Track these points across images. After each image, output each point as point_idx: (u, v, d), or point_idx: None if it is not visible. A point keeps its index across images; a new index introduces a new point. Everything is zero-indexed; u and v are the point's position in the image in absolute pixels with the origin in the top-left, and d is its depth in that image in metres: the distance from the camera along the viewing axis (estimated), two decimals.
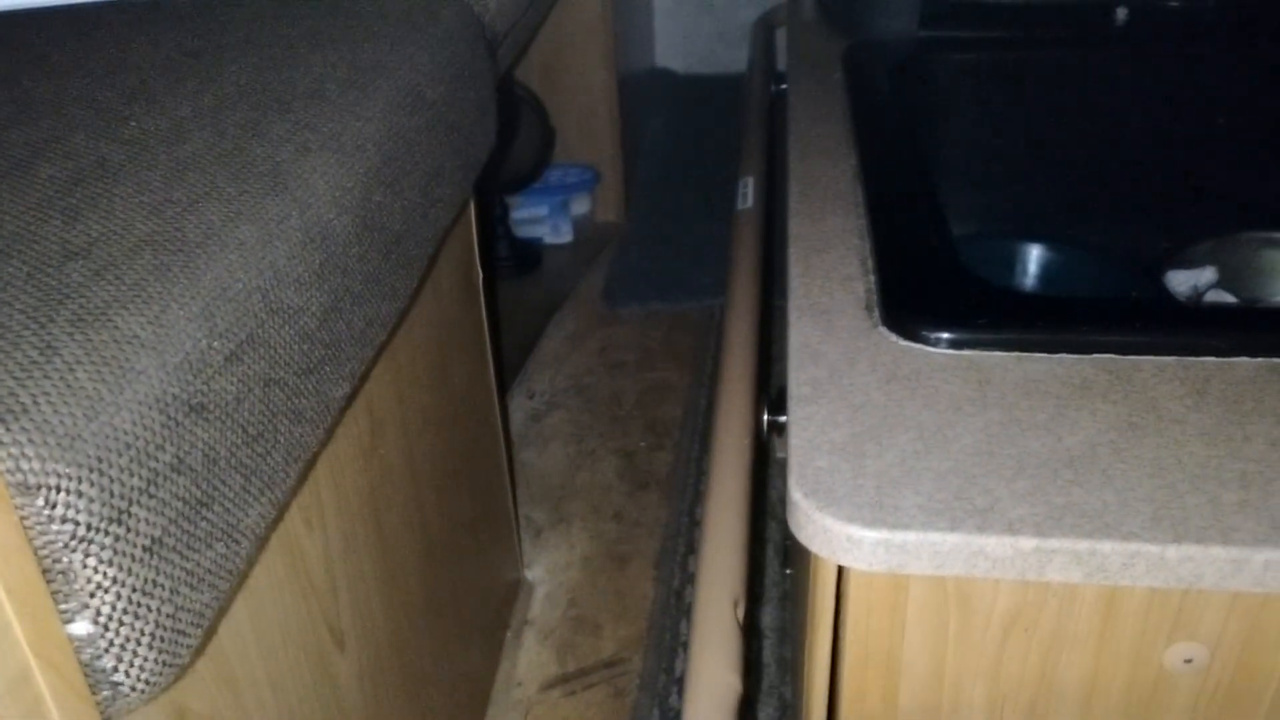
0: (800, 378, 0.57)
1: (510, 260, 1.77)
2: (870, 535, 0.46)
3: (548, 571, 1.18)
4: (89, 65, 0.61)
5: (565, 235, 1.86)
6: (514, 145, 1.67)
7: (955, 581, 0.49)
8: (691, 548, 1.19)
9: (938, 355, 0.58)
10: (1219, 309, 0.81)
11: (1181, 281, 0.88)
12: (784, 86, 1.18)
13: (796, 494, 0.49)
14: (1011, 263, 0.99)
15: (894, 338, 0.60)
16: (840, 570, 0.52)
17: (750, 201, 1.07)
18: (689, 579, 1.15)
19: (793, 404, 0.55)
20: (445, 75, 0.70)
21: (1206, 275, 0.88)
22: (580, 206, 1.90)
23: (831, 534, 0.47)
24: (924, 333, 0.59)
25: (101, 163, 0.50)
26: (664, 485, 1.30)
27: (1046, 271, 0.99)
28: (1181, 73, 1.02)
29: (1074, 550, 0.45)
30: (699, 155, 2.13)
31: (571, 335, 1.61)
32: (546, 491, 1.30)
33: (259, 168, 0.51)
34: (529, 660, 1.07)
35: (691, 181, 2.05)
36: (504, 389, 1.29)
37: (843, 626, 0.54)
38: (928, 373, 0.56)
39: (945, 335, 0.58)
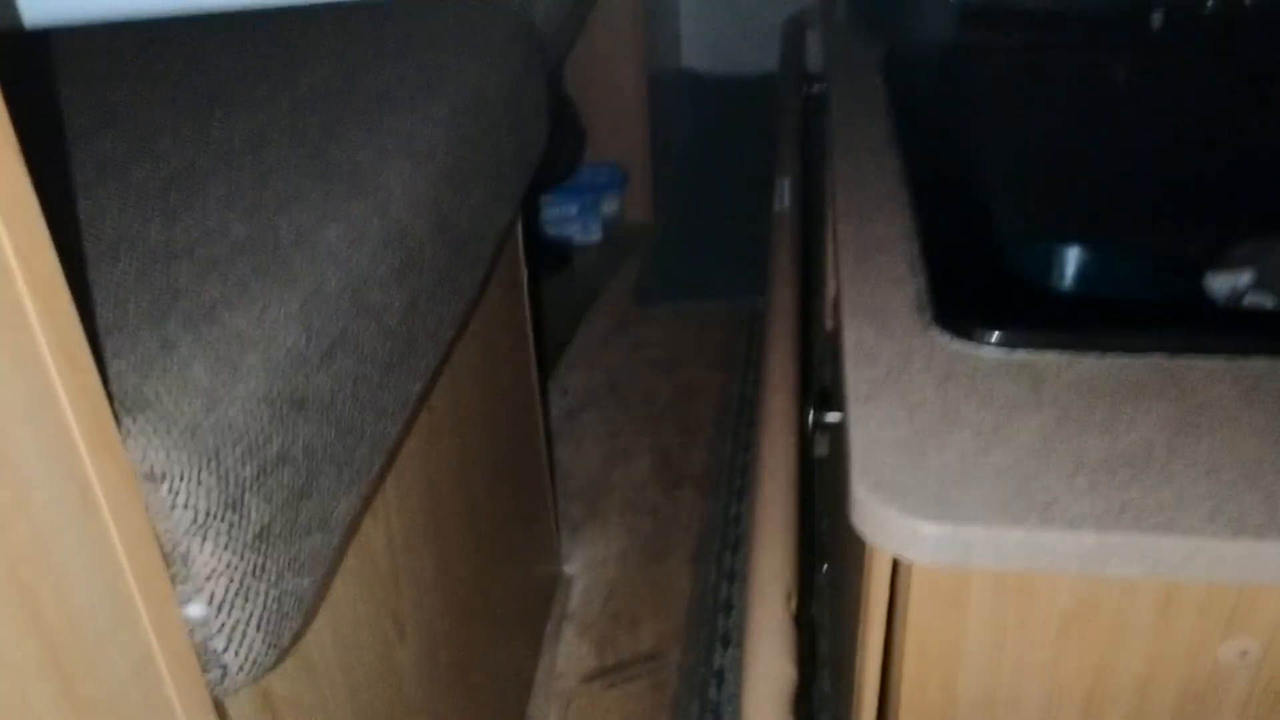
0: (857, 377, 0.58)
1: (541, 259, 1.79)
2: (934, 530, 0.48)
3: (585, 566, 1.20)
4: (166, 71, 0.63)
5: (595, 234, 1.88)
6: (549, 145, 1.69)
7: (1016, 576, 0.50)
8: (728, 544, 1.21)
9: (991, 355, 0.59)
10: (1269, 313, 0.82)
11: (1220, 284, 0.89)
12: (816, 88, 1.20)
13: (860, 489, 0.50)
14: (1049, 264, 1.00)
15: (947, 338, 0.61)
16: (895, 564, 0.54)
17: (787, 203, 1.09)
18: (726, 575, 1.17)
19: (851, 402, 0.56)
20: (504, 79, 0.72)
21: (1245, 278, 0.89)
22: (610, 206, 1.92)
23: (896, 528, 0.49)
24: (977, 333, 0.60)
25: (190, 167, 0.51)
26: (698, 482, 1.32)
27: (1084, 273, 1.00)
28: (1218, 76, 1.02)
29: (1135, 545, 0.46)
30: (725, 155, 2.14)
31: (603, 333, 1.62)
32: (582, 487, 1.32)
33: (340, 170, 0.53)
34: (569, 653, 1.09)
35: (718, 181, 2.06)
36: (540, 385, 1.31)
37: (898, 619, 0.55)
38: (982, 372, 0.58)
39: (998, 335, 0.60)
